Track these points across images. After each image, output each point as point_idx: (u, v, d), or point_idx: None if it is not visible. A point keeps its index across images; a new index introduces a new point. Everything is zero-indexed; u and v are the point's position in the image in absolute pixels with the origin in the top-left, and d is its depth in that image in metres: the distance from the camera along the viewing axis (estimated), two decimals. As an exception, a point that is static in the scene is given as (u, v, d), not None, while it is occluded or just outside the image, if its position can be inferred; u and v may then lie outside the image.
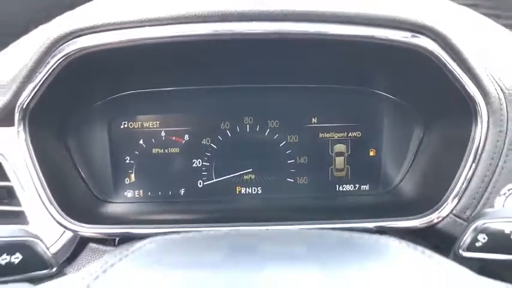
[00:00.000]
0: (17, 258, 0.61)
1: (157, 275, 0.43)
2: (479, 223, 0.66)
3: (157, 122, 1.05)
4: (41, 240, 0.65)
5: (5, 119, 0.87)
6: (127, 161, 1.06)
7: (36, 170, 0.84)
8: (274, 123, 1.06)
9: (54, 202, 0.85)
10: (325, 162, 1.08)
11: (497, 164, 0.82)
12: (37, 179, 0.85)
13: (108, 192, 1.05)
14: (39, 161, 0.85)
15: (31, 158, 0.85)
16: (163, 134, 1.05)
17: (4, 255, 0.60)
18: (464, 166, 0.84)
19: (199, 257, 0.45)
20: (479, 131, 0.83)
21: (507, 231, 0.64)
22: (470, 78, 0.82)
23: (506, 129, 0.83)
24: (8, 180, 0.89)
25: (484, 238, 0.65)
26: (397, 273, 0.42)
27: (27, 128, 0.85)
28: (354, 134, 1.07)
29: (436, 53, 0.80)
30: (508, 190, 0.82)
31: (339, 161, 1.08)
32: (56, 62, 0.79)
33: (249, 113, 1.06)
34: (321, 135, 1.07)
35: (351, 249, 0.47)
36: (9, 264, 0.61)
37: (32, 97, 0.82)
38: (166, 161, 1.06)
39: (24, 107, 0.82)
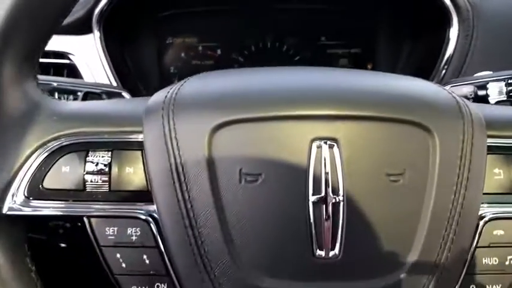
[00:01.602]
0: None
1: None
2: (446, 88, 0.90)
3: (196, 39, 1.30)
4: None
5: (80, 28, 1.11)
6: (171, 71, 1.30)
7: (110, 66, 1.09)
8: (290, 40, 1.30)
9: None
10: (332, 73, 1.32)
11: (465, 60, 1.07)
12: (110, 73, 1.09)
13: (156, 97, 1.29)
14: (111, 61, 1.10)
15: (106, 57, 1.09)
16: (200, 48, 1.30)
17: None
18: (440, 64, 1.09)
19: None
20: (452, 36, 1.08)
21: (465, 91, 0.88)
22: (445, -5, 1.06)
23: (472, 34, 1.07)
24: (81, 77, 1.13)
25: (449, 98, 0.89)
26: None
27: (102, 34, 1.09)
28: (355, 50, 1.32)
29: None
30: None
31: (343, 72, 1.32)
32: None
33: (269, 31, 1.30)
34: (328, 51, 1.31)
35: None
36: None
37: (107, 6, 1.06)
38: (203, 71, 1.29)
39: (102, 12, 1.06)
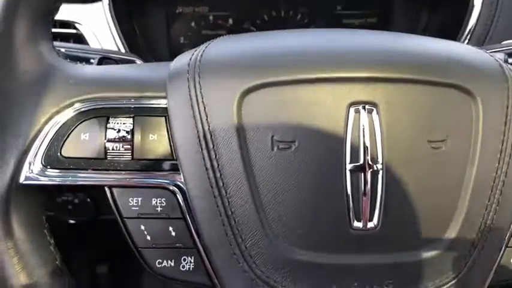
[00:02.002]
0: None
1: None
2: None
3: (206, 8, 1.25)
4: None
5: (89, -4, 1.08)
6: (181, 41, 1.26)
7: (119, 34, 1.05)
8: (305, 9, 1.26)
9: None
10: (347, 43, 1.28)
11: (490, 28, 1.03)
12: (120, 41, 1.05)
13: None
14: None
15: (115, 26, 1.05)
16: (211, 18, 1.25)
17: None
18: (463, 33, 1.05)
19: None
20: (477, 3, 1.03)
21: (499, 56, 0.85)
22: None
23: (497, 1, 1.03)
24: (87, 44, 1.09)
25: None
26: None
27: (111, 1, 1.05)
28: (371, 20, 1.27)
29: None
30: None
31: (358, 42, 1.28)
32: None
33: (283, 0, 1.25)
34: (344, 20, 1.27)
35: None
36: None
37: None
38: (213, 41, 1.26)
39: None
